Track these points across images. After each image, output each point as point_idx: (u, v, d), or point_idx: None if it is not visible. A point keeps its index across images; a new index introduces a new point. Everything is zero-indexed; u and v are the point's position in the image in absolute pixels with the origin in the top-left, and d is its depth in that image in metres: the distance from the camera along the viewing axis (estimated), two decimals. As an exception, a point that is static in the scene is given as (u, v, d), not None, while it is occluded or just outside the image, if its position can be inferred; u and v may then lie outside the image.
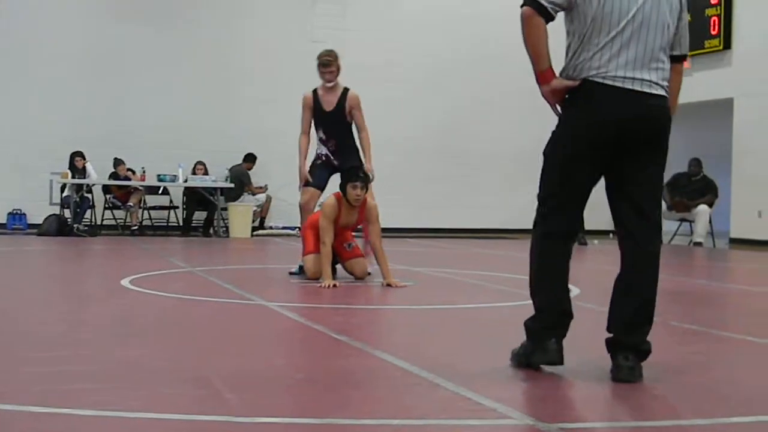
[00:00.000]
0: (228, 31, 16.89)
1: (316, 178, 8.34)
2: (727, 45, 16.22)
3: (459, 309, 6.55)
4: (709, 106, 16.13)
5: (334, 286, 7.43)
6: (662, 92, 3.99)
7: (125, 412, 3.21)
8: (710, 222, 15.45)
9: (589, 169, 4.00)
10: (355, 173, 7.77)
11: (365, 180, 7.79)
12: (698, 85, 15.12)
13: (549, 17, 3.96)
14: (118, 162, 15.43)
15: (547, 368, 4.06)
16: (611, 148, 3.95)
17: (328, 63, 8.34)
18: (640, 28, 3.93)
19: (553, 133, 4.09)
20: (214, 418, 3.17)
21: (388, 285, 7.58)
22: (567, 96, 4.02)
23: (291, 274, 8.41)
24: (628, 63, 3.91)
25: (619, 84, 3.91)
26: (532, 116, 17.25)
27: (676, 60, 4.13)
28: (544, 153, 4.11)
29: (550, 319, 4.08)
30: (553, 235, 4.08)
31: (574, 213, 4.08)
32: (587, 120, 3.95)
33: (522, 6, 3.97)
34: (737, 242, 15.88)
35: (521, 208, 17.39)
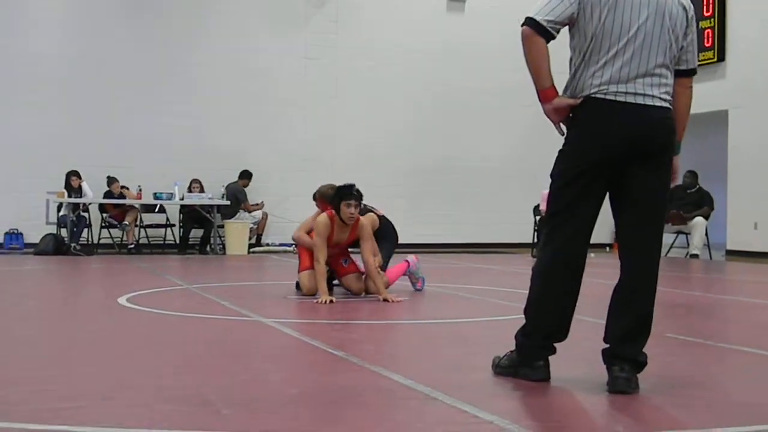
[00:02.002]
0: (223, 49, 16.92)
1: None
2: (721, 57, 16.30)
3: (455, 323, 6.55)
4: (703, 118, 16.15)
5: (331, 301, 7.43)
6: (665, 105, 3.97)
7: (121, 428, 3.20)
8: (706, 234, 15.47)
9: (597, 186, 3.97)
10: (349, 191, 7.75)
11: (359, 198, 7.78)
12: (692, 97, 15.12)
13: (549, 36, 3.93)
14: (111, 180, 15.44)
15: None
16: (617, 162, 3.92)
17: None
18: (642, 46, 3.91)
19: (560, 152, 4.05)
20: (211, 434, 3.17)
21: (384, 300, 7.58)
22: (570, 115, 4.00)
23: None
24: (630, 79, 3.89)
25: (621, 99, 3.89)
26: (527, 134, 17.38)
27: (685, 74, 4.10)
28: (552, 174, 4.06)
29: (542, 341, 4.09)
30: (562, 256, 4.02)
31: (583, 232, 4.03)
32: (592, 137, 3.93)
33: (522, 25, 3.95)
34: (734, 254, 15.90)
35: (516, 223, 17.51)
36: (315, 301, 7.44)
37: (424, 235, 17.15)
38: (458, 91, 18.04)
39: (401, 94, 17.72)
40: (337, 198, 7.77)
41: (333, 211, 7.82)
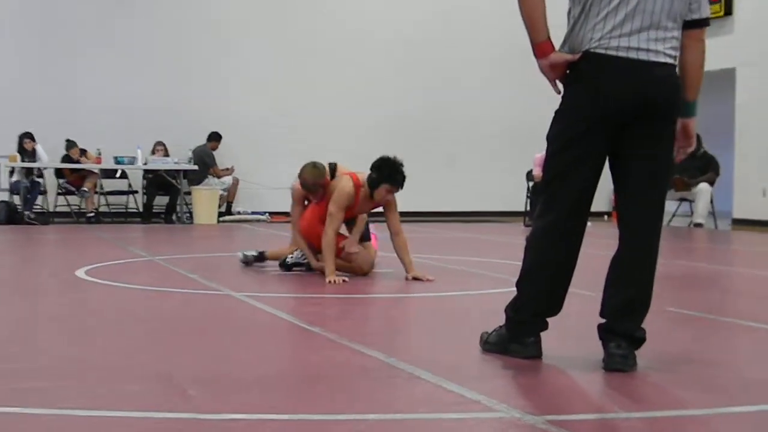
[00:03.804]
0: (190, 6, 16.80)
1: None
2: (729, 11, 16.29)
3: (440, 297, 6.57)
4: (709, 76, 15.86)
5: (344, 281, 7.05)
6: (670, 61, 3.94)
7: (83, 410, 3.22)
8: (711, 201, 15.51)
9: (596, 149, 3.95)
10: (400, 180, 7.24)
11: (401, 187, 7.35)
12: (705, 52, 15.13)
13: None
14: (70, 144, 15.30)
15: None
16: (617, 123, 3.90)
17: None
18: None
19: (556, 112, 4.02)
20: (178, 416, 3.19)
21: (414, 279, 7.26)
22: (568, 71, 3.96)
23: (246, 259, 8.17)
24: (633, 33, 3.85)
25: (622, 54, 3.85)
26: (517, 94, 17.36)
27: (695, 25, 4.06)
28: (548, 137, 4.04)
29: (533, 317, 4.11)
30: (558, 226, 4.02)
31: (582, 200, 4.01)
32: (591, 95, 3.90)
33: None
34: (740, 223, 15.98)
35: (507, 189, 17.54)
36: (327, 281, 7.02)
37: (408, 203, 17.12)
38: (447, 51, 17.95)
39: (385, 54, 17.63)
40: (384, 176, 7.23)
41: (359, 178, 7.36)
